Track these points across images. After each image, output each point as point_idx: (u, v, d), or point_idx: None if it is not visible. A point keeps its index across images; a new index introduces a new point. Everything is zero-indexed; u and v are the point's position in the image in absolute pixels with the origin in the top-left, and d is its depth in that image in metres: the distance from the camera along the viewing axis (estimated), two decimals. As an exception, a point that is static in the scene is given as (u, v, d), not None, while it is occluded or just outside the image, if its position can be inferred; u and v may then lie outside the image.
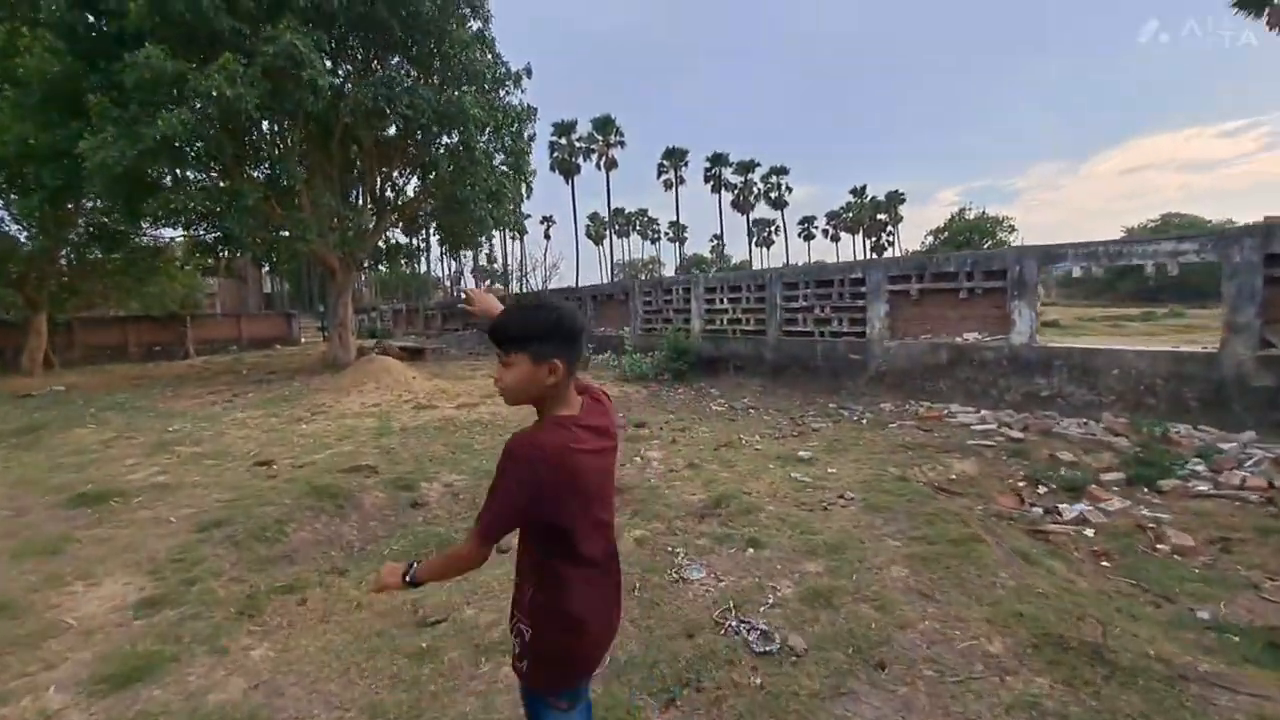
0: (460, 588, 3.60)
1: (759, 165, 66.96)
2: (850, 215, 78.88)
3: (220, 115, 9.93)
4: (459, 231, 14.46)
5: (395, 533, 5.19)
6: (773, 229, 79.26)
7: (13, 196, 11.75)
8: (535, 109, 15.83)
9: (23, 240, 16.33)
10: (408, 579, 1.43)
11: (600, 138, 55.51)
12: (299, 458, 6.90)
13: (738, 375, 12.21)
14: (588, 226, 69.90)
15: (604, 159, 56.17)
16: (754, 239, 77.00)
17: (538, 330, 1.30)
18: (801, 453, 6.51)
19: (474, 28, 13.60)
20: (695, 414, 9.45)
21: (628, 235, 78.54)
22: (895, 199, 77.15)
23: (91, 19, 10.86)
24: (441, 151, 13.04)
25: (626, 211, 74.77)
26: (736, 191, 67.11)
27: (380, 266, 19.13)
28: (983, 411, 8.03)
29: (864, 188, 75.92)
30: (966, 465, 6.10)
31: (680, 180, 62.37)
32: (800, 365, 11.05)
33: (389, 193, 15.06)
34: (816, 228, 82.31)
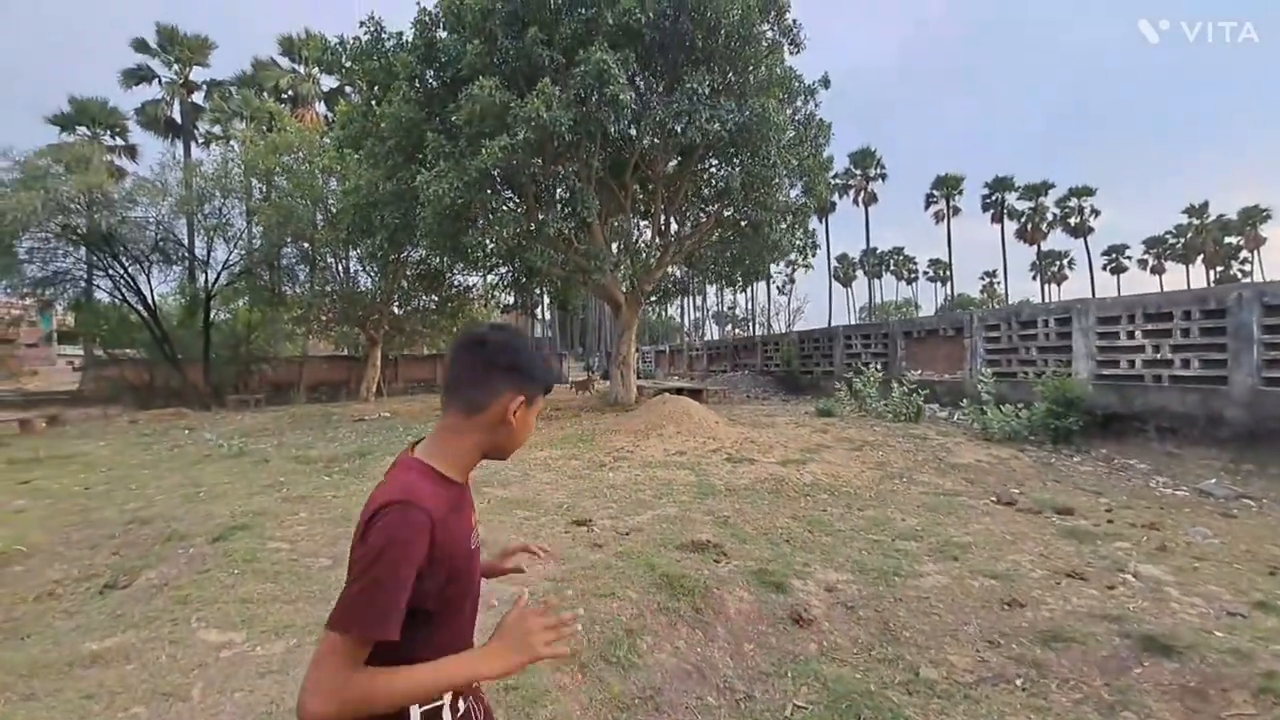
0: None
1: (1053, 187, 56.57)
2: (1183, 240, 62.70)
3: (536, 138, 9.70)
4: (751, 260, 12.85)
5: (784, 669, 3.26)
6: (1065, 262, 66.49)
7: (364, 242, 13.17)
8: (831, 124, 13.83)
9: (366, 286, 19.23)
10: None
11: (859, 171, 51.83)
12: (619, 518, 5.43)
13: (1164, 441, 8.32)
14: (835, 268, 65.70)
15: (862, 194, 52.25)
16: (1040, 274, 65.10)
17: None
18: None
19: (770, 37, 12.19)
20: (1145, 501, 6.22)
21: (880, 276, 72.29)
22: (1254, 216, 59.44)
23: (432, 72, 11.70)
24: (737, 169, 11.62)
25: (879, 250, 68.83)
26: (1024, 219, 57.31)
27: (661, 303, 18.53)
28: None
29: (1205, 205, 59.73)
30: None
31: (955, 210, 55.23)
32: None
33: (674, 224, 14.19)
34: (1129, 257, 67.07)
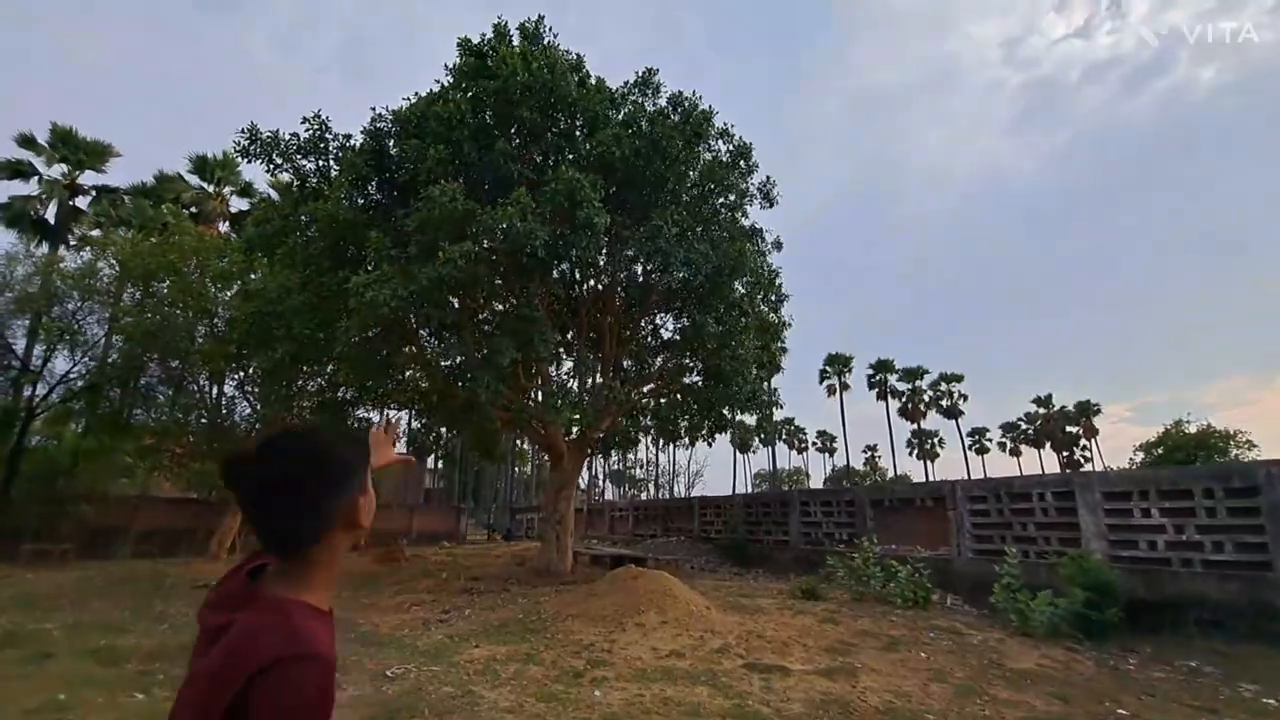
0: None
1: (928, 372, 62.49)
2: (1033, 427, 70.29)
3: (507, 249, 8.41)
4: (715, 409, 11.66)
5: None
6: (937, 440, 71.71)
7: (260, 355, 10.74)
8: (782, 285, 13.79)
9: (242, 415, 15.99)
10: None
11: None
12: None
13: (1208, 635, 7.31)
14: (732, 433, 66.86)
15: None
16: (919, 450, 69.49)
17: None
18: None
19: (741, 188, 12.23)
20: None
21: (772, 444, 74.42)
22: (1087, 410, 68.02)
23: (378, 181, 10.47)
24: (710, 315, 10.87)
25: (774, 419, 71.45)
26: (904, 399, 62.13)
27: (603, 454, 16.67)
28: None
29: (1049, 396, 67.99)
30: None
31: (845, 386, 59.07)
32: None
33: (627, 368, 12.99)
34: (990, 439, 73.51)
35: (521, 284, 9.86)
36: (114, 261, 16.13)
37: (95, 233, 24.67)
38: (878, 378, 61.44)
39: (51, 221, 25.21)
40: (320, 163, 10.51)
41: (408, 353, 9.47)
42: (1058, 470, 61.58)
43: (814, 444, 77.12)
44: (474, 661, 5.78)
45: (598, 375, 12.05)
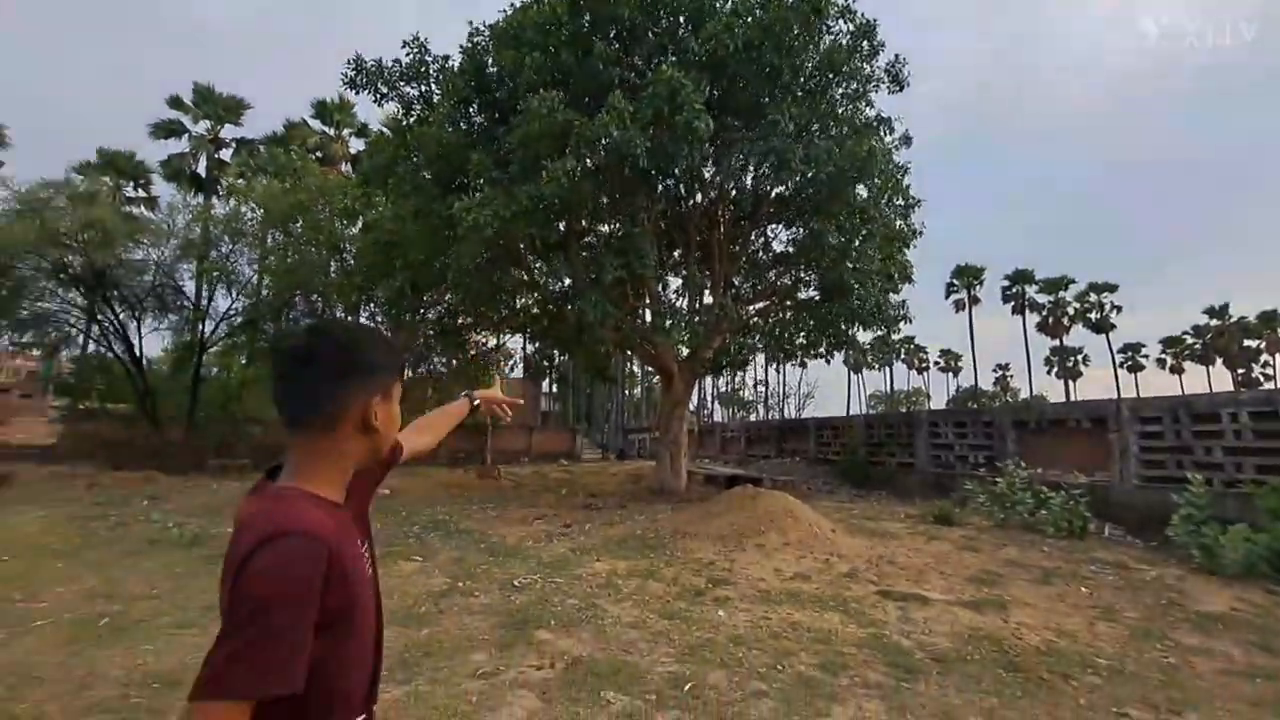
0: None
1: (1073, 282, 55.63)
2: (1202, 341, 61.37)
3: (608, 162, 7.99)
4: (833, 325, 10.86)
5: None
6: (1080, 358, 64.62)
7: (382, 284, 11.27)
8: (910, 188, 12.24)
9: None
10: None
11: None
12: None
13: None
14: (849, 352, 63.96)
15: (883, 279, 51.36)
16: (1060, 368, 63.12)
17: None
18: None
19: (866, 72, 10.76)
20: None
21: (890, 364, 70.42)
22: (1274, 320, 58.14)
23: (479, 103, 10.23)
24: (831, 222, 9.89)
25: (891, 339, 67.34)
26: (1045, 312, 56.04)
27: (713, 374, 16.47)
28: None
29: (1225, 306, 58.66)
30: None
31: (975, 300, 54.15)
32: None
33: (738, 284, 12.37)
34: (1146, 356, 65.25)
35: (626, 201, 9.41)
36: (256, 206, 17.48)
37: (240, 182, 27.09)
38: (1014, 290, 55.69)
39: (202, 174, 27.84)
40: (423, 88, 10.42)
41: (517, 276, 9.47)
42: (1230, 389, 53.97)
43: (936, 364, 72.58)
44: (596, 575, 5.87)
45: (707, 293, 11.55)
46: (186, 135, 27.10)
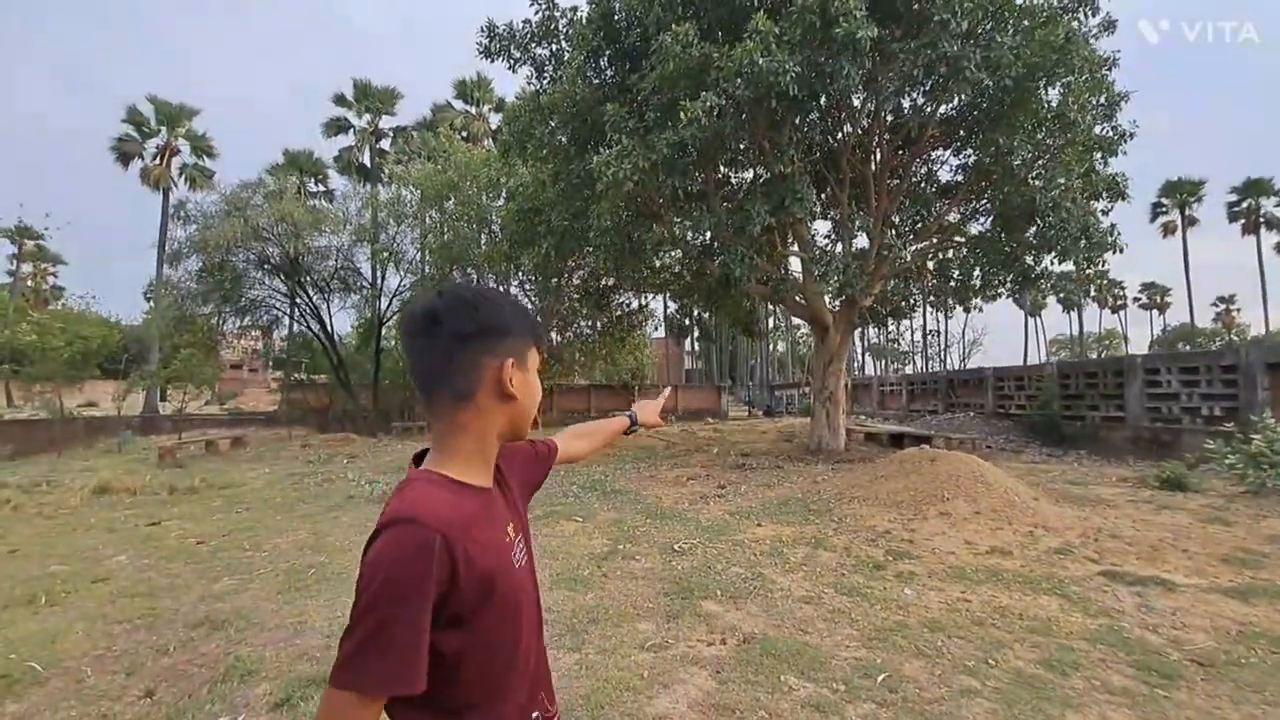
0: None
1: (1331, 188, 44.11)
2: None
3: (753, 93, 7.27)
4: (1018, 259, 9.30)
5: None
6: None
7: (528, 252, 11.56)
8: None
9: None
10: None
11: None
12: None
13: None
14: (1035, 292, 56.41)
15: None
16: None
17: None
18: None
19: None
20: None
21: (1079, 304, 61.12)
22: None
23: (610, 53, 9.85)
24: (1019, 134, 8.34)
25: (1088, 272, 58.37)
26: (1290, 229, 45.28)
27: (869, 324, 15.27)
28: None
29: None
30: None
31: (1192, 221, 45.15)
32: None
33: (900, 222, 11.06)
34: None
35: (771, 137, 8.59)
36: (413, 189, 18.82)
37: (399, 168, 29.50)
38: (1244, 205, 45.39)
39: (368, 165, 30.56)
40: (553, 46, 10.25)
41: (658, 233, 9.11)
42: None
43: (1135, 299, 62.34)
44: (759, 541, 5.52)
45: (863, 234, 10.43)
46: (351, 130, 29.84)
